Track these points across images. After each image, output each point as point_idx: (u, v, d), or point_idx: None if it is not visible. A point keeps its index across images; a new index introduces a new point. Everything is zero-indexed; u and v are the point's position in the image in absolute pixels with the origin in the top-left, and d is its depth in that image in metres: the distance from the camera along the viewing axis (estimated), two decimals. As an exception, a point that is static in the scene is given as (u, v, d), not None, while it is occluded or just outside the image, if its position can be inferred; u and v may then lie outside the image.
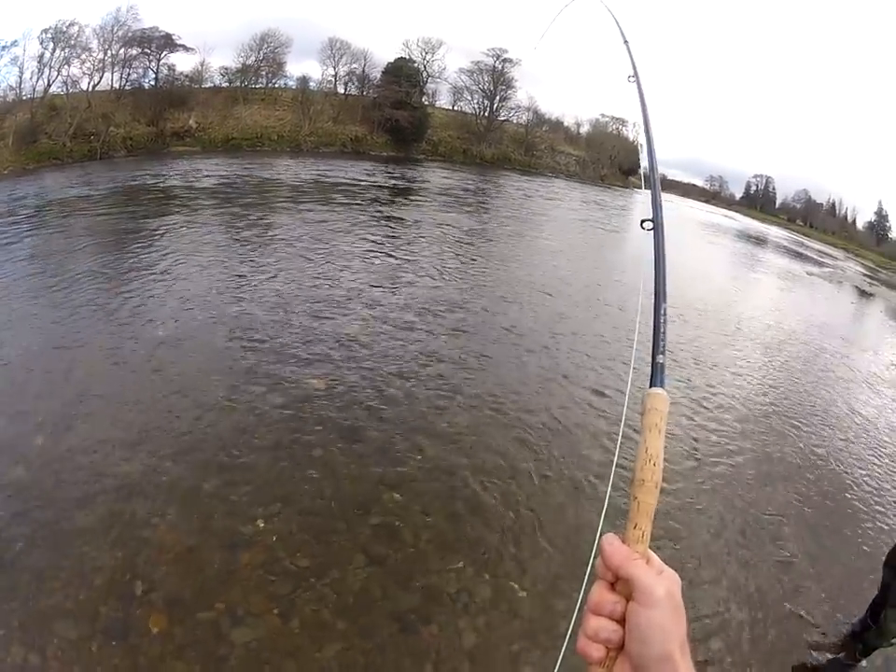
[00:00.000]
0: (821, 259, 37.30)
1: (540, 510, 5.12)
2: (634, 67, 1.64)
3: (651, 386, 0.84)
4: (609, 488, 1.43)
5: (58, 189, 19.71)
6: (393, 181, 27.39)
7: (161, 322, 8.02)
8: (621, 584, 0.73)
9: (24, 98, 29.84)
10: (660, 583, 0.70)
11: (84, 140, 29.21)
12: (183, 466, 5.08)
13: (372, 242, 13.98)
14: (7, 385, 6.31)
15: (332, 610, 3.83)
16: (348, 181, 25.34)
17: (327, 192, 21.91)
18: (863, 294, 27.21)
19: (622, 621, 0.71)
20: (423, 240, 15.20)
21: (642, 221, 1.13)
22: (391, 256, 12.86)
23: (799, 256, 36.01)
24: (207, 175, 23.20)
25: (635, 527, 0.75)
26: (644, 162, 1.33)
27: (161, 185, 20.73)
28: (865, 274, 37.45)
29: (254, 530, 4.42)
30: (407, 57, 46.80)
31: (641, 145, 1.59)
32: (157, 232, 13.24)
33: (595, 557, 0.79)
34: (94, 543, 4.18)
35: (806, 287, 23.10)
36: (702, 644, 4.03)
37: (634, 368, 1.38)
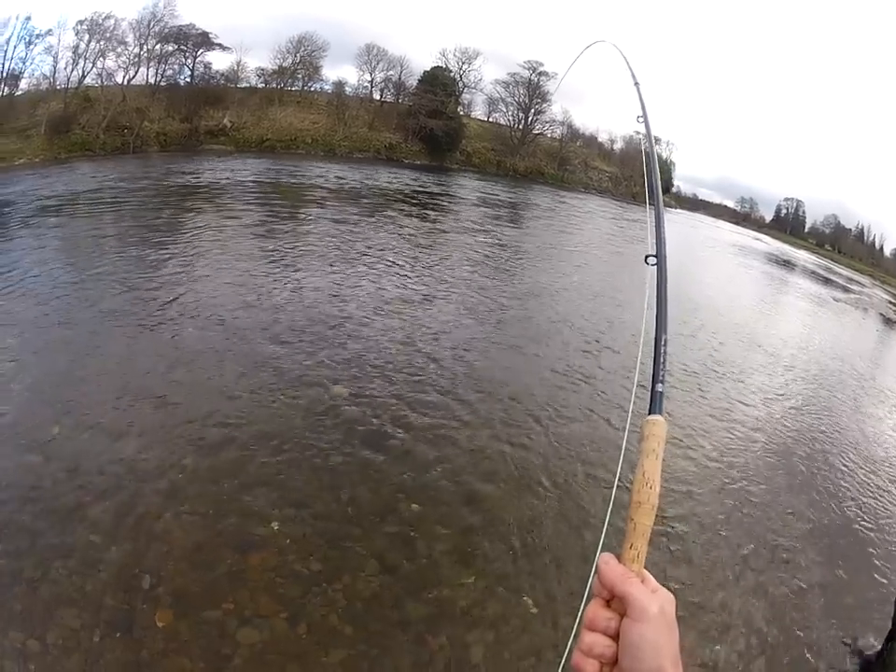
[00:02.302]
0: (848, 286, 36.74)
1: (553, 530, 5.01)
2: (643, 108, 1.86)
3: (650, 413, 0.86)
4: (609, 511, 1.41)
5: (89, 180, 19.91)
6: (426, 191, 27.37)
7: (182, 324, 7.94)
8: (616, 602, 0.74)
9: (58, 87, 30.20)
10: (654, 601, 0.72)
11: (117, 133, 29.43)
12: (199, 465, 5.03)
13: (395, 258, 13.37)
14: (26, 374, 6.28)
15: (341, 616, 3.75)
16: (382, 188, 25.52)
17: (360, 198, 22.03)
18: (888, 322, 26.72)
19: (616, 637, 0.73)
20: (448, 257, 14.74)
21: (646, 256, 1.16)
22: (405, 276, 12.10)
23: (826, 281, 35.56)
24: (241, 176, 23.33)
25: (630, 547, 0.77)
26: (648, 199, 1.39)
27: (194, 183, 20.93)
28: (891, 302, 36.79)
29: (267, 532, 4.35)
30: (444, 66, 46.94)
31: (645, 176, 1.67)
32: (181, 232, 13.22)
33: (593, 576, 0.80)
34: (104, 534, 4.15)
35: (833, 313, 22.81)
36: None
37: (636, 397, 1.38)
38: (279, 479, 4.96)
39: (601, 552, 0.80)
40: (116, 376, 6.31)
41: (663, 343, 0.96)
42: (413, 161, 41.28)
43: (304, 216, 16.59)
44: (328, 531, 4.45)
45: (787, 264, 40.29)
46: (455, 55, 47.69)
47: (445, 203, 24.42)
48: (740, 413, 8.47)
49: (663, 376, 0.92)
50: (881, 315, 28.40)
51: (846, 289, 32.93)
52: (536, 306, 11.54)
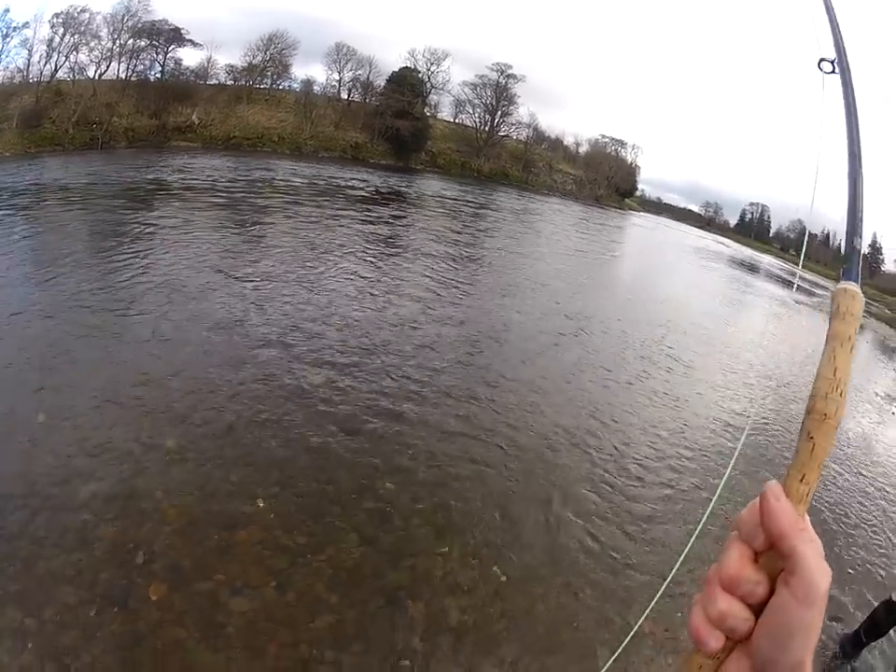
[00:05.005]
0: (812, 290, 37.50)
1: (521, 507, 5.34)
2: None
3: (843, 278, 0.64)
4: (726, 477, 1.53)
5: (58, 175, 19.67)
6: (390, 191, 27.62)
7: (157, 321, 8.00)
8: (768, 557, 0.54)
9: (31, 81, 29.83)
10: (825, 575, 0.52)
11: (87, 128, 29.19)
12: (187, 447, 5.25)
13: (361, 258, 13.62)
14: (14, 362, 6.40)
15: (326, 585, 4.01)
16: (347, 187, 25.66)
17: (324, 197, 22.15)
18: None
19: (757, 606, 0.54)
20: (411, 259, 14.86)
21: (820, 61, 0.87)
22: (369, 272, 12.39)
23: (790, 285, 36.27)
24: (207, 173, 23.26)
25: (801, 479, 0.56)
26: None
27: (160, 179, 20.73)
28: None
29: (254, 509, 4.59)
30: (412, 67, 47.13)
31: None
32: (149, 229, 13.10)
33: (713, 505, 0.67)
34: (98, 513, 4.33)
35: (796, 315, 23.27)
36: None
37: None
38: (262, 460, 5.21)
39: (766, 483, 0.56)
40: (97, 367, 6.45)
41: (860, 178, 0.73)
42: (379, 161, 41.43)
43: (266, 216, 16.62)
44: (310, 508, 4.71)
45: (750, 268, 41.29)
46: (423, 56, 48.01)
47: (408, 206, 24.70)
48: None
49: (861, 227, 0.70)
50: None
51: (810, 293, 33.73)
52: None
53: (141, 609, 3.68)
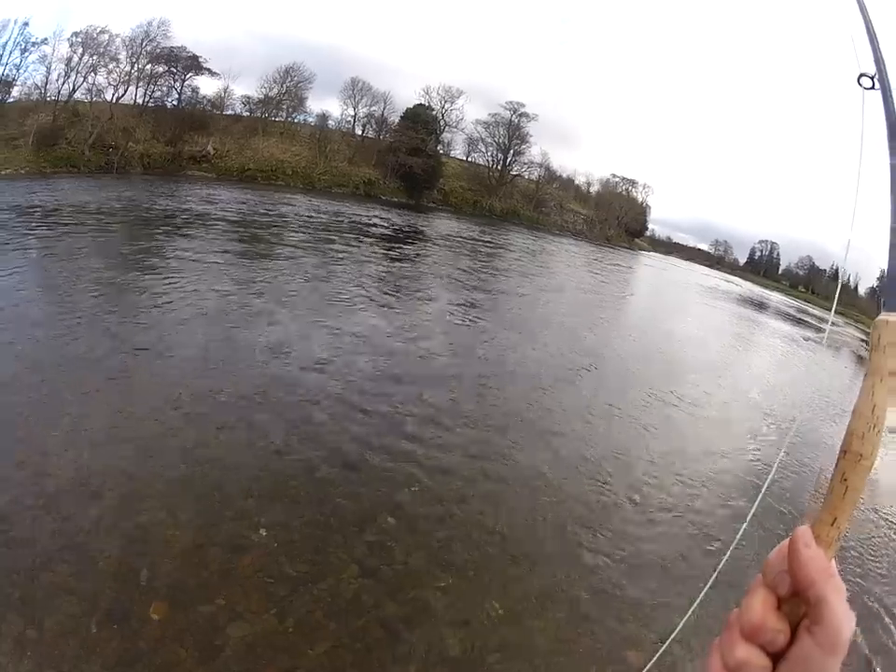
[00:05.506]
0: (821, 326, 37.50)
1: (518, 539, 5.41)
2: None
3: (883, 310, 0.59)
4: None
5: (73, 199, 20.03)
6: (411, 229, 28.20)
7: (161, 354, 8.04)
8: (791, 605, 0.53)
9: (49, 99, 30.42)
10: (850, 621, 0.51)
11: (102, 151, 29.70)
12: (194, 473, 5.37)
13: (370, 302, 13.27)
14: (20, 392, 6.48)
15: (325, 613, 4.06)
16: (371, 225, 26.41)
17: (353, 234, 22.80)
18: (861, 360, 27.48)
19: (777, 655, 0.52)
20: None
21: (860, 76, 0.83)
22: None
23: (798, 322, 36.51)
24: (222, 206, 23.70)
25: (832, 523, 0.54)
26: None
27: (176, 210, 21.15)
28: (864, 340, 37.75)
29: (257, 537, 4.66)
30: (426, 104, 48.08)
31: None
32: (161, 261, 13.31)
33: (734, 547, 0.67)
34: (104, 532, 4.41)
35: (805, 352, 23.41)
36: None
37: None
38: (266, 491, 5.29)
39: (796, 528, 0.54)
40: (108, 395, 6.59)
41: None
42: (391, 198, 41.89)
43: (279, 253, 16.97)
44: (312, 537, 4.78)
45: (759, 306, 41.48)
46: (438, 93, 49.13)
47: (420, 248, 25.15)
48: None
49: None
50: (852, 352, 28.92)
51: (818, 329, 33.79)
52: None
53: (142, 627, 3.72)
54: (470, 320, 13.26)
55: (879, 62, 0.83)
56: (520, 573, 4.96)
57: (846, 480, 0.53)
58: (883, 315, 0.58)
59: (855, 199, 0.91)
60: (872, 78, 0.81)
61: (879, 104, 0.78)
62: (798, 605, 0.52)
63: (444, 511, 5.57)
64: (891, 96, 0.78)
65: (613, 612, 4.70)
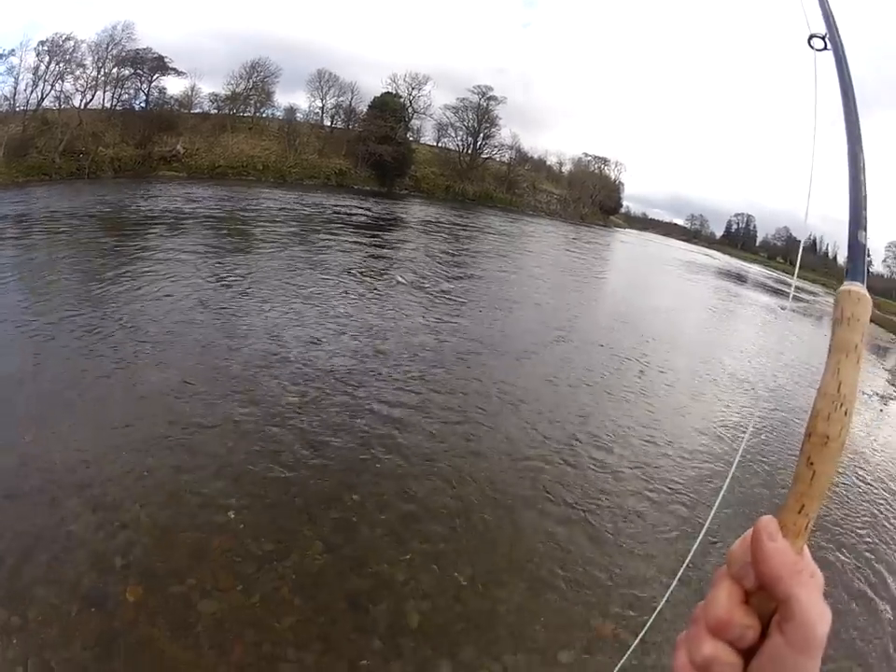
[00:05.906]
0: (800, 296, 37.93)
1: (480, 516, 5.64)
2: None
3: (846, 279, 0.57)
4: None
5: (47, 205, 20.11)
6: (376, 217, 28.32)
7: (140, 349, 8.33)
8: (760, 598, 0.50)
9: (18, 109, 30.13)
10: (824, 618, 0.48)
11: (73, 158, 29.51)
12: (162, 463, 5.58)
13: (349, 291, 13.62)
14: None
15: (291, 588, 4.31)
16: (351, 215, 26.59)
17: (312, 226, 22.88)
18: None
19: (747, 651, 0.49)
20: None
21: (810, 37, 0.81)
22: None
23: (777, 292, 36.77)
24: (193, 204, 23.70)
25: (800, 511, 0.51)
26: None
27: (147, 210, 21.22)
28: None
29: (225, 519, 4.91)
30: (394, 92, 47.98)
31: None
32: (136, 262, 13.44)
33: (700, 540, 0.66)
34: (80, 524, 4.64)
35: (784, 321, 23.70)
36: None
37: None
38: (233, 475, 5.53)
39: (759, 518, 0.52)
40: (80, 390, 6.80)
41: (860, 165, 0.64)
42: (363, 187, 41.85)
43: (254, 245, 17.32)
44: (278, 518, 5.04)
45: (738, 278, 41.87)
46: (405, 81, 49.00)
47: (394, 232, 25.40)
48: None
49: (865, 217, 0.61)
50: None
51: (797, 299, 34.16)
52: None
53: (118, 609, 3.96)
54: (450, 300, 13.69)
55: (829, 20, 0.81)
56: (484, 545, 5.20)
57: (812, 464, 0.51)
58: (846, 285, 0.55)
59: (811, 165, 0.87)
60: (823, 39, 0.80)
61: (832, 65, 0.76)
62: (767, 598, 0.49)
63: (408, 487, 5.82)
64: (844, 57, 0.76)
65: (580, 582, 4.90)
